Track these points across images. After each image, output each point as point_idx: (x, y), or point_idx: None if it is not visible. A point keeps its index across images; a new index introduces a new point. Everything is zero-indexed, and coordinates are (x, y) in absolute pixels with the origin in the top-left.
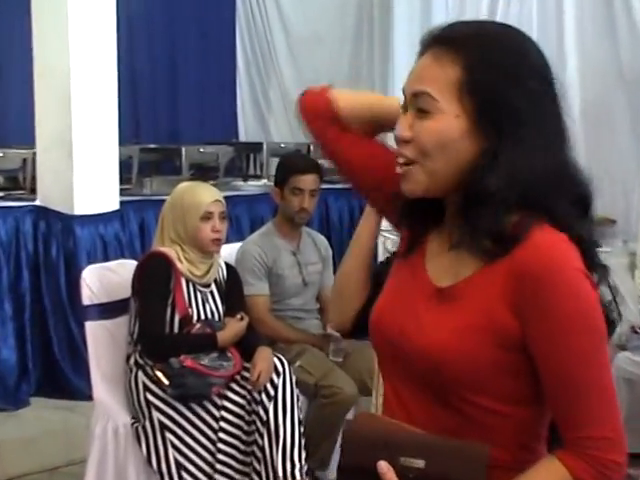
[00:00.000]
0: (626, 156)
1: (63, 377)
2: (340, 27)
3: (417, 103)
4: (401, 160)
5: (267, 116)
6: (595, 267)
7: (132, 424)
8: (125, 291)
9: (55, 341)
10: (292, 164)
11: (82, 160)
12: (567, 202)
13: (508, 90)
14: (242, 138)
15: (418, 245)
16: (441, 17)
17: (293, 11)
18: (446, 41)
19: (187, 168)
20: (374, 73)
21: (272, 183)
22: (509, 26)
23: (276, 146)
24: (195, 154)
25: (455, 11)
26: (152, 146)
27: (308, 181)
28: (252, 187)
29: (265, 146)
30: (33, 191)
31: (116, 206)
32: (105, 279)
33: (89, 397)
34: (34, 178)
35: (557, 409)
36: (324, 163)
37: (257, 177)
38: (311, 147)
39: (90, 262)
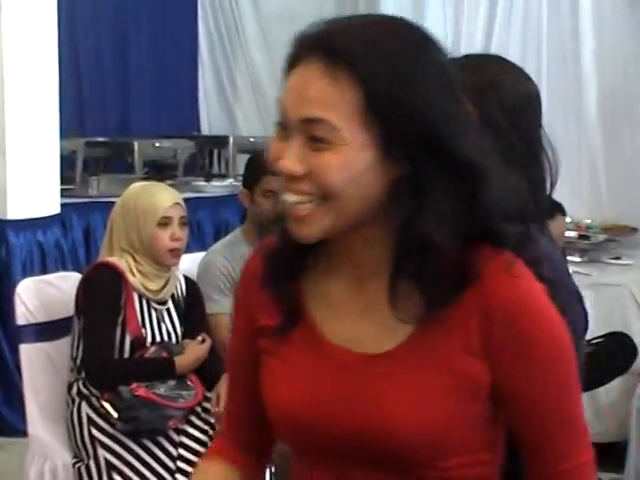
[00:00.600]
0: None
1: None
2: (318, 2)
3: (310, 131)
4: (294, 199)
5: (234, 105)
6: (545, 284)
7: (74, 464)
8: (67, 308)
9: None
10: (264, 162)
11: (16, 157)
12: (508, 220)
13: (418, 108)
14: (205, 131)
15: (294, 312)
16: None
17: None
18: (334, 53)
19: (140, 165)
20: None
21: (240, 184)
22: (397, 20)
23: (244, 140)
24: (149, 149)
25: None
26: (99, 139)
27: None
28: (216, 188)
29: (231, 140)
30: None
31: (57, 209)
32: (43, 294)
33: (23, 433)
34: None
35: (540, 445)
36: None
37: (222, 176)
38: None
39: (26, 275)
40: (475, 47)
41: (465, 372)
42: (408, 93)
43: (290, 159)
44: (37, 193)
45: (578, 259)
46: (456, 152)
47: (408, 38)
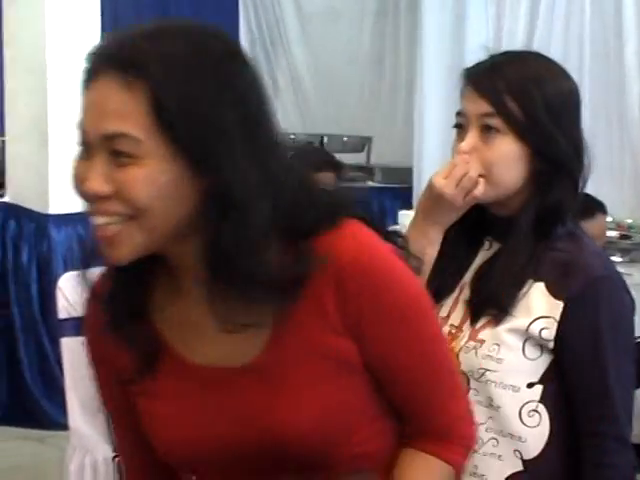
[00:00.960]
0: None
1: (33, 403)
2: (354, 5)
3: (112, 146)
4: (103, 221)
5: (274, 102)
6: (392, 238)
7: (114, 457)
8: None
9: (25, 361)
10: (305, 160)
11: (60, 151)
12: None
13: (212, 112)
14: None
15: (150, 347)
16: (479, 16)
17: None
18: (127, 65)
19: None
20: (400, 53)
21: None
22: (196, 29)
23: (285, 137)
24: None
25: None
26: None
27: (323, 180)
28: None
29: None
30: (1, 186)
31: None
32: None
33: (64, 426)
34: (3, 171)
35: (415, 405)
36: (339, 159)
37: None
38: (325, 140)
39: (67, 269)
40: (517, 45)
41: (336, 352)
42: (198, 106)
43: (95, 179)
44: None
45: (619, 259)
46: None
47: (204, 49)
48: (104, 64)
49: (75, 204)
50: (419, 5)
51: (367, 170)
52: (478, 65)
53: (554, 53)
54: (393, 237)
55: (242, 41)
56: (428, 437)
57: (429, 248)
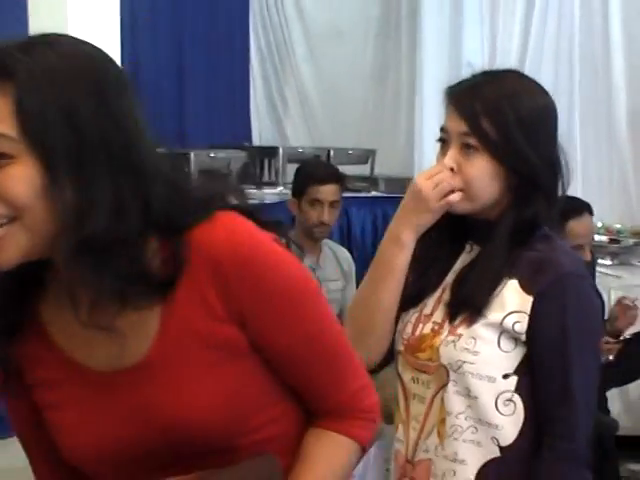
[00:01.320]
0: None
1: None
2: (363, 20)
3: None
4: None
5: (283, 118)
6: (272, 227)
7: None
8: None
9: None
10: (310, 173)
11: None
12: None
13: (72, 122)
14: (256, 142)
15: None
16: (473, 6)
17: (311, 1)
18: (2, 69)
19: (196, 174)
20: (401, 71)
21: (289, 191)
22: (66, 40)
23: (293, 151)
24: (204, 159)
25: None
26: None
27: (328, 192)
28: (267, 195)
29: (281, 151)
30: None
31: None
32: None
33: None
34: None
35: (310, 385)
36: (345, 171)
37: (272, 184)
38: (331, 153)
39: None
40: (510, 63)
41: (223, 340)
42: (57, 114)
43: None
44: None
45: (609, 262)
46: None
47: (73, 62)
48: None
49: None
50: (418, 27)
51: (371, 180)
52: (460, 84)
53: (545, 71)
54: (271, 225)
55: (253, 60)
56: (329, 415)
57: (400, 254)
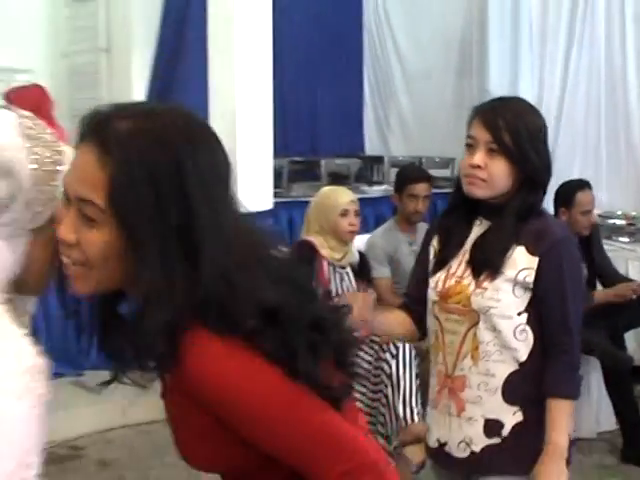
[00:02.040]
0: None
1: None
2: (446, 63)
3: (83, 209)
4: (67, 261)
5: (387, 134)
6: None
7: None
8: None
9: None
10: (408, 174)
11: (245, 169)
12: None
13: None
14: (367, 152)
15: None
16: (526, 56)
17: (407, 49)
18: (105, 142)
19: (325, 176)
20: (473, 101)
21: (392, 188)
22: (175, 113)
23: (395, 159)
24: (332, 165)
25: (537, 50)
26: (298, 159)
27: (421, 188)
28: (376, 191)
29: (386, 159)
30: None
31: (270, 206)
32: None
33: None
34: None
35: (301, 468)
36: (433, 173)
37: (380, 183)
38: (423, 160)
39: None
40: (555, 98)
41: (206, 419)
42: (146, 196)
43: (66, 228)
44: (257, 194)
45: (627, 240)
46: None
47: (165, 142)
48: (89, 134)
49: (254, 206)
50: (485, 70)
51: (451, 181)
52: (484, 105)
53: (580, 102)
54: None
55: (365, 92)
56: None
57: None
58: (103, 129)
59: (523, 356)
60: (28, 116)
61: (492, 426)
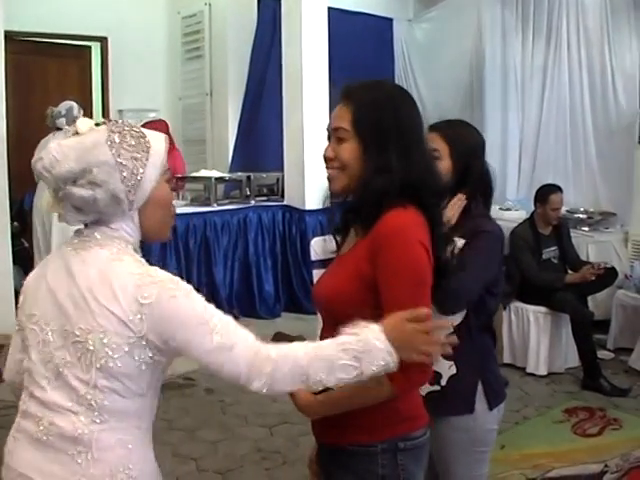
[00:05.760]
0: None
1: (299, 301)
2: (454, 100)
3: (337, 134)
4: (329, 172)
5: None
6: (438, 239)
7: None
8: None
9: (295, 280)
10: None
11: (310, 178)
12: (429, 194)
13: (381, 123)
14: None
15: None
16: (512, 96)
17: (425, 90)
18: (347, 96)
19: None
20: (478, 127)
21: None
22: (391, 84)
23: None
24: None
25: (520, 91)
26: None
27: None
28: None
29: None
30: (282, 196)
31: (327, 204)
32: (322, 244)
33: (314, 313)
34: (283, 189)
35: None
36: None
37: None
38: None
39: (314, 235)
40: (533, 123)
41: (362, 269)
42: (373, 120)
43: (329, 150)
44: (319, 194)
45: (587, 229)
46: (404, 153)
47: (383, 94)
48: (340, 97)
49: (317, 204)
50: (483, 106)
51: None
52: (437, 123)
53: (552, 129)
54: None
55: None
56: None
57: None
58: (347, 91)
59: (457, 321)
60: (116, 124)
61: (433, 376)
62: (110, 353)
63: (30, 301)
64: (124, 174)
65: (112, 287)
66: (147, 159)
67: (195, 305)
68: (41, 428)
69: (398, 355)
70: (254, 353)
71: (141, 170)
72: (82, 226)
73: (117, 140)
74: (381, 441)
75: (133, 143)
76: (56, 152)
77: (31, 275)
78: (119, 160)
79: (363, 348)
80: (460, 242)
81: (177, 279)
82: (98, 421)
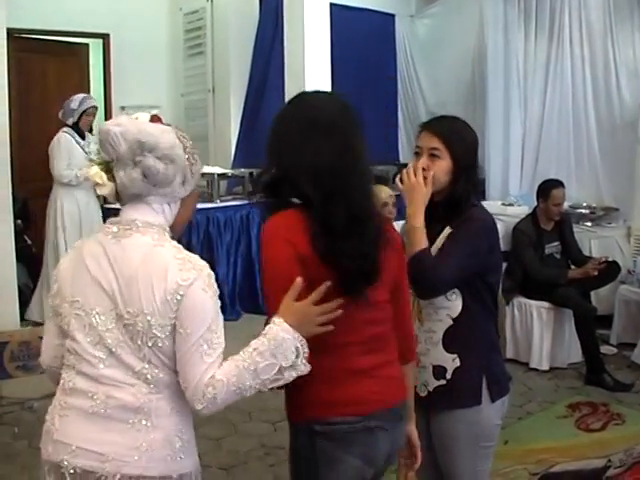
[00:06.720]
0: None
1: None
2: (456, 97)
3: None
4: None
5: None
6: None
7: None
8: None
9: None
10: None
11: None
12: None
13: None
14: (401, 161)
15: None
16: (515, 92)
17: (428, 88)
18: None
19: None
20: (480, 127)
21: None
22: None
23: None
24: (375, 170)
25: (522, 88)
26: None
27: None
28: None
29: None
30: None
31: None
32: None
33: None
34: None
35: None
36: None
37: None
38: None
39: None
40: (536, 121)
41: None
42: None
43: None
44: None
45: (590, 224)
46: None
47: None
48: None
49: None
50: (485, 103)
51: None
52: (429, 121)
53: (554, 126)
54: None
55: (399, 117)
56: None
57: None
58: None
59: (455, 313)
60: (179, 128)
61: (438, 371)
62: (158, 334)
63: (70, 288)
64: (191, 161)
65: (157, 271)
66: (198, 159)
67: (216, 310)
68: (98, 402)
69: (301, 334)
70: (204, 385)
71: (196, 167)
72: (117, 217)
73: (181, 135)
74: (299, 422)
75: (191, 143)
76: (134, 124)
77: (63, 264)
78: (187, 149)
79: (275, 345)
80: (446, 231)
81: (212, 274)
82: (155, 392)
